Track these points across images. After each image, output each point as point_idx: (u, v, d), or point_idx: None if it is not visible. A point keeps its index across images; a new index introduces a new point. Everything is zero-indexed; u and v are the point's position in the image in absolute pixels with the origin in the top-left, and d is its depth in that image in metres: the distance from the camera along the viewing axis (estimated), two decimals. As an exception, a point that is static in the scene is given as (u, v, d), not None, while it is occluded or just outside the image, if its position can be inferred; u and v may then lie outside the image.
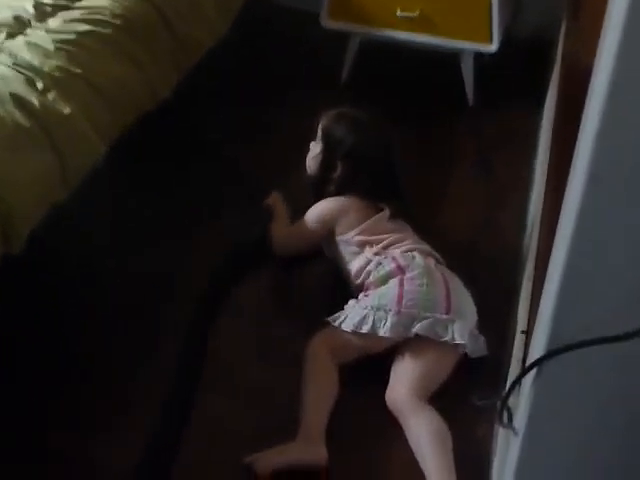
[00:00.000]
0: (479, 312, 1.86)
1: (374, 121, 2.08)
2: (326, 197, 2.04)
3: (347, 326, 1.79)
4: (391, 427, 1.69)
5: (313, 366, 1.74)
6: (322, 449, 1.62)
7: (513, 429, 1.18)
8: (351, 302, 1.86)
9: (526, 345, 1.51)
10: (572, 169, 0.99)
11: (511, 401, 1.24)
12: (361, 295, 1.88)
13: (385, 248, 1.92)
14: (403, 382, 1.73)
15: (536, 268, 1.71)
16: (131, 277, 2.00)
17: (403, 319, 1.78)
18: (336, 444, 1.64)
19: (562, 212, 0.99)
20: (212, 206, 2.24)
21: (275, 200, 2.16)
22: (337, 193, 2.03)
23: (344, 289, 1.95)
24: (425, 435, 1.63)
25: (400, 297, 1.81)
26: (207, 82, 2.50)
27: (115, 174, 2.07)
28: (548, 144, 2.12)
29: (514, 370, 1.58)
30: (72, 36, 1.96)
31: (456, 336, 1.77)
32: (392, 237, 1.95)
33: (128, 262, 2.03)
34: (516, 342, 1.65)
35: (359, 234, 1.96)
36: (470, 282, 1.91)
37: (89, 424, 1.67)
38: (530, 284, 1.71)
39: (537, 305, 1.47)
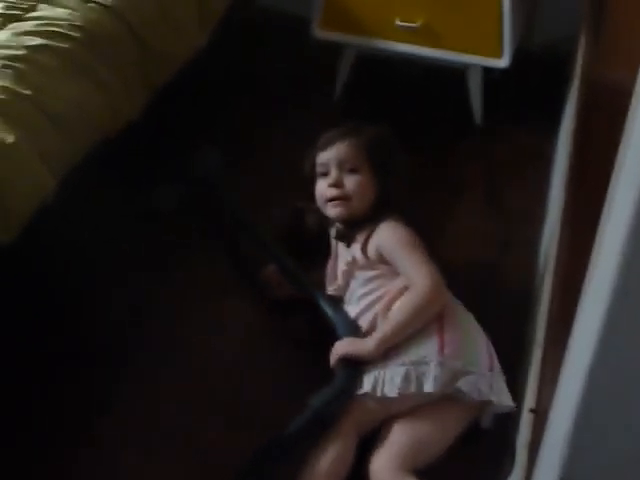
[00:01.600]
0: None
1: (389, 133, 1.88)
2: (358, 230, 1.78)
3: (391, 391, 1.54)
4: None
5: (332, 446, 1.52)
6: None
7: None
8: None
9: (534, 429, 1.32)
10: (606, 216, 0.78)
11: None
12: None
13: None
14: (389, 451, 1.52)
15: (547, 329, 1.51)
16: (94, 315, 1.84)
17: (447, 372, 1.55)
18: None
19: (582, 299, 0.78)
20: (185, 243, 2.06)
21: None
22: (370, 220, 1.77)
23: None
24: None
25: (442, 345, 1.59)
26: (181, 100, 2.30)
27: (72, 208, 1.87)
28: (565, 172, 1.91)
29: (520, 456, 1.38)
30: (22, 51, 1.77)
31: (502, 397, 1.56)
32: None
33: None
34: (523, 420, 1.45)
35: None
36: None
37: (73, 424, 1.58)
38: (540, 352, 1.50)
39: (548, 379, 1.28)
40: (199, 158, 2.18)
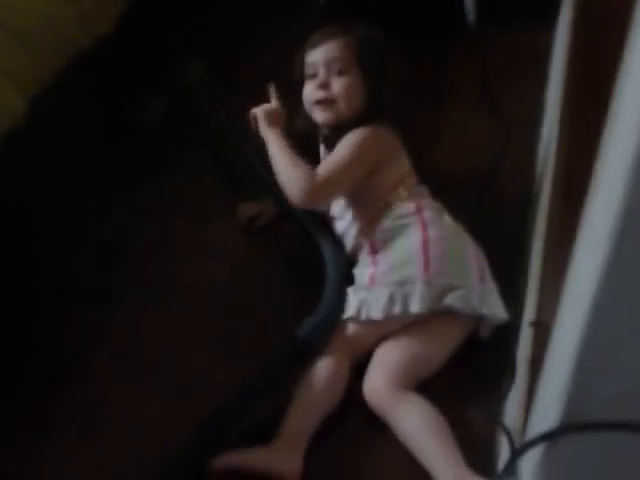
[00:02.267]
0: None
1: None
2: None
3: (376, 313, 1.52)
4: (376, 427, 1.45)
5: (319, 371, 1.49)
6: (296, 461, 1.39)
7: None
8: (359, 279, 1.60)
9: (535, 342, 1.27)
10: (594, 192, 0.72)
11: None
12: (366, 259, 1.62)
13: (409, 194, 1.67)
14: (381, 371, 1.49)
15: (547, 238, 1.45)
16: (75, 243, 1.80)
17: (434, 290, 1.51)
18: (319, 448, 1.42)
19: (578, 243, 0.72)
20: (172, 156, 1.99)
21: (277, 115, 1.76)
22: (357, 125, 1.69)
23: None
24: (416, 426, 1.40)
25: (427, 262, 1.54)
26: (162, 9, 2.20)
27: (47, 128, 1.80)
28: (564, 67, 1.83)
29: (520, 369, 1.34)
30: (-20, -38, 1.67)
31: (496, 309, 1.53)
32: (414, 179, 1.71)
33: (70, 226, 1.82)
34: (523, 334, 1.41)
35: (392, 175, 1.68)
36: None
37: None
38: (540, 260, 1.45)
39: (549, 290, 1.23)
40: (186, 70, 2.09)
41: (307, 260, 1.70)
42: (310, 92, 1.73)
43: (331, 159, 1.64)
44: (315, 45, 1.74)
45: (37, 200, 1.82)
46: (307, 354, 1.50)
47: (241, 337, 1.63)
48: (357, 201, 1.69)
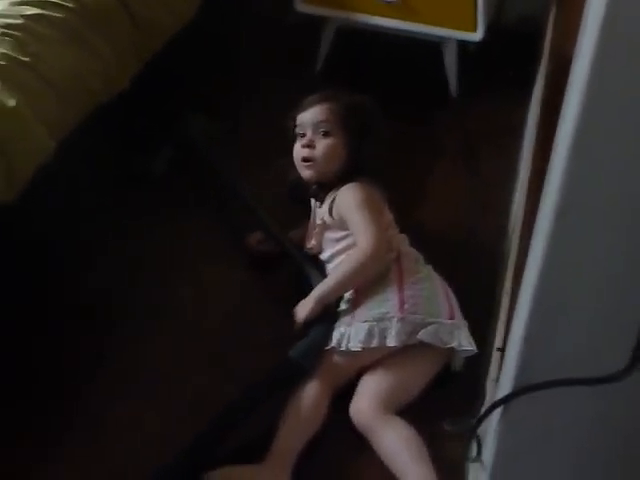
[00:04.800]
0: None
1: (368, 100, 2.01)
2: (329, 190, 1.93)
3: (355, 345, 1.73)
4: (361, 447, 1.65)
5: (302, 395, 1.69)
6: (284, 478, 1.58)
7: (481, 462, 1.16)
8: (342, 318, 1.79)
9: (501, 365, 1.49)
10: (544, 189, 0.96)
11: (481, 431, 1.21)
12: (347, 303, 1.82)
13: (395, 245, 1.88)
14: (367, 397, 1.70)
15: (514, 281, 1.68)
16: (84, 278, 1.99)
17: (407, 326, 1.73)
18: (308, 461, 1.61)
19: (532, 242, 0.96)
20: (175, 205, 2.21)
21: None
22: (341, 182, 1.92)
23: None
24: (397, 445, 1.61)
25: (402, 302, 1.76)
26: (171, 68, 2.45)
27: (68, 171, 2.02)
28: (532, 141, 2.09)
29: (489, 390, 1.55)
30: (19, 20, 1.91)
31: (463, 342, 1.74)
32: (396, 230, 1.92)
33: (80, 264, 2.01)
34: (492, 360, 1.63)
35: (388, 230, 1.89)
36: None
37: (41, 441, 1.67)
38: (508, 298, 1.68)
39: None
40: (188, 124, 2.34)
41: (301, 294, 1.90)
42: (297, 150, 1.98)
43: (360, 228, 1.82)
44: (305, 108, 1.98)
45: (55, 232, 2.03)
46: (298, 374, 1.71)
47: (240, 358, 1.83)
48: (347, 249, 1.90)
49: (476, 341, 1.78)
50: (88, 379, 1.78)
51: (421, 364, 1.76)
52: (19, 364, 1.78)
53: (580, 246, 0.80)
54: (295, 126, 1.99)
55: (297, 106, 2.00)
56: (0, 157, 1.70)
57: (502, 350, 1.55)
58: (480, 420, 1.02)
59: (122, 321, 1.91)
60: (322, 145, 1.93)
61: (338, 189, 1.91)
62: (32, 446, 1.64)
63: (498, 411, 1.02)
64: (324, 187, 1.96)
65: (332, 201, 1.92)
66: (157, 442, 1.65)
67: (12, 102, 1.76)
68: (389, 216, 1.94)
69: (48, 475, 1.60)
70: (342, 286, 1.81)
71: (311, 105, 1.97)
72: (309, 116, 1.96)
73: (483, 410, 1.02)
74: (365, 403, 1.69)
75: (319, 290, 1.82)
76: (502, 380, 1.11)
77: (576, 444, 0.96)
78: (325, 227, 1.93)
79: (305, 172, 1.96)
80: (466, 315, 1.83)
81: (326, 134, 1.94)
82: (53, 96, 1.87)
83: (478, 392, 1.65)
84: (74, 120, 1.93)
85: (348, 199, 1.88)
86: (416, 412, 1.69)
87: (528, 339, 0.88)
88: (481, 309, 1.90)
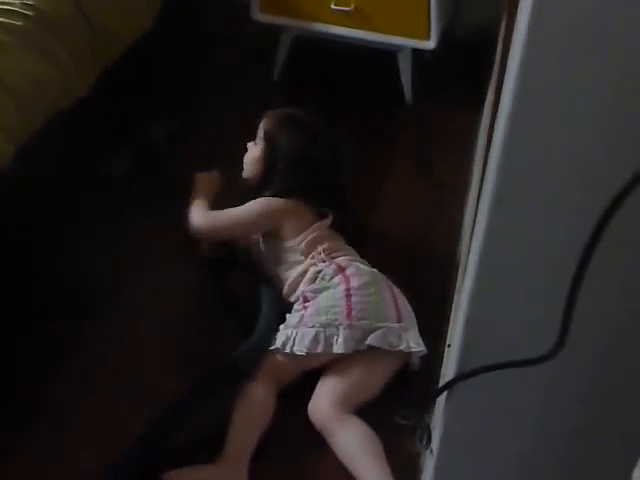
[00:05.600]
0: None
1: (320, 123, 2.09)
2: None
3: (300, 349, 1.77)
4: (320, 442, 1.70)
5: (250, 394, 1.73)
6: (242, 476, 1.63)
7: (430, 450, 1.20)
8: (290, 319, 1.85)
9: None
10: (483, 185, 1.01)
11: (432, 421, 1.26)
12: (298, 307, 1.87)
13: (328, 256, 1.93)
14: (325, 396, 1.75)
15: (463, 281, 1.74)
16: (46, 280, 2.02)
17: (356, 332, 1.79)
18: (262, 464, 1.65)
19: (474, 232, 1.01)
20: (133, 206, 2.25)
21: (209, 179, 2.14)
22: (276, 196, 2.01)
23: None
24: (355, 443, 1.66)
25: (349, 309, 1.81)
26: (129, 77, 2.49)
27: (23, 177, 2.05)
28: (483, 145, 2.15)
29: (441, 383, 1.60)
30: (-22, 28, 1.93)
31: (412, 344, 1.79)
32: (334, 244, 1.96)
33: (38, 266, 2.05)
34: (445, 356, 1.68)
35: (306, 240, 1.95)
36: (404, 293, 1.92)
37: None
38: (458, 297, 1.73)
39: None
40: (149, 126, 2.39)
41: (249, 299, 1.95)
42: None
43: (227, 211, 2.02)
44: (264, 116, 2.10)
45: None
46: (240, 373, 1.76)
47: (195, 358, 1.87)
48: (282, 254, 1.98)
49: (432, 340, 1.84)
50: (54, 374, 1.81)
51: (379, 364, 1.81)
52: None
53: (514, 234, 0.86)
54: None
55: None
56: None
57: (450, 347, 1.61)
58: (425, 407, 1.07)
59: (86, 320, 1.94)
60: (249, 152, 2.10)
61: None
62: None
63: (443, 398, 1.07)
64: (254, 195, 2.05)
65: None
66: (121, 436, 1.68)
67: (-30, 108, 1.78)
68: (324, 233, 1.98)
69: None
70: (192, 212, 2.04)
71: (267, 114, 2.10)
72: (261, 124, 2.08)
73: (430, 395, 1.07)
74: (323, 402, 1.74)
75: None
76: (447, 368, 1.16)
77: (517, 427, 1.01)
78: None
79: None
80: (421, 315, 1.89)
81: (256, 143, 2.08)
82: (12, 102, 1.89)
83: (431, 389, 1.69)
84: (33, 125, 1.96)
85: (247, 204, 2.02)
86: (374, 410, 1.74)
87: (469, 325, 0.93)
88: (436, 309, 1.95)
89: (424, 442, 1.23)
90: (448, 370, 1.09)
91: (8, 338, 1.87)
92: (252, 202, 2.02)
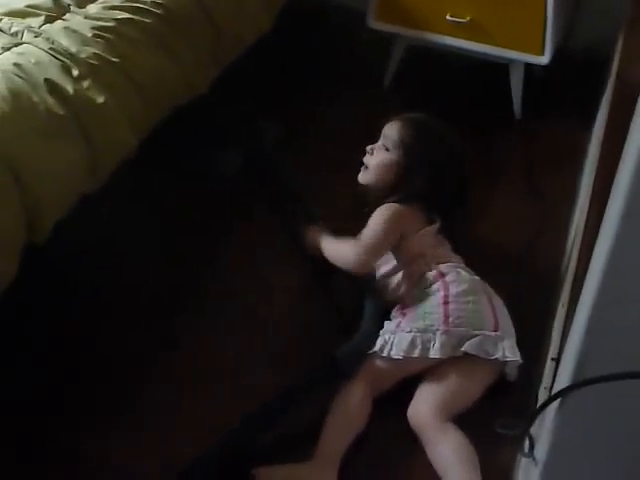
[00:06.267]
0: (512, 335, 1.88)
1: (451, 131, 2.09)
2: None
3: (397, 353, 1.79)
4: (413, 448, 1.71)
5: (347, 396, 1.75)
6: (332, 476, 1.64)
7: (534, 459, 1.21)
8: (388, 326, 1.86)
9: (555, 373, 1.54)
10: (611, 195, 1.02)
11: (534, 430, 1.27)
12: (396, 313, 1.89)
13: (433, 262, 1.94)
14: (426, 401, 1.76)
15: (571, 294, 1.73)
16: (152, 274, 2.08)
17: (452, 339, 1.80)
18: (354, 460, 1.68)
19: (598, 240, 1.02)
20: (244, 206, 2.30)
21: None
22: (398, 202, 2.01)
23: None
24: (451, 454, 1.66)
25: (446, 316, 1.82)
26: (245, 79, 2.55)
27: (145, 169, 2.13)
28: (594, 165, 2.13)
29: (541, 399, 1.60)
30: (111, 23, 2.01)
31: (507, 353, 1.79)
32: (439, 251, 1.98)
33: (148, 260, 2.11)
34: (546, 369, 1.67)
35: (415, 245, 1.96)
36: (506, 303, 1.92)
37: (104, 424, 1.74)
38: (564, 310, 1.73)
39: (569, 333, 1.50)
40: (260, 129, 2.44)
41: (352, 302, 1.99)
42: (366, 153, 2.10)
43: (365, 233, 1.97)
44: (390, 120, 2.09)
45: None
46: (339, 373, 1.78)
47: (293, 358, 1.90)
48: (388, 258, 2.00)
49: (530, 352, 1.84)
50: (154, 365, 1.87)
51: (476, 373, 1.82)
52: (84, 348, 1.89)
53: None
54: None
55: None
56: (87, 148, 1.81)
57: (556, 360, 1.61)
58: (536, 413, 1.07)
59: (194, 320, 1.99)
60: (377, 157, 2.06)
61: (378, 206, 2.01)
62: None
63: (554, 406, 1.07)
64: (376, 200, 2.04)
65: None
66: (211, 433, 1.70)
67: (101, 99, 1.86)
68: (428, 237, 1.99)
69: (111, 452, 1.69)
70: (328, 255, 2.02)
71: (396, 119, 2.08)
72: (387, 129, 2.08)
73: (540, 403, 1.07)
74: (424, 407, 1.75)
75: (323, 240, 2.04)
76: (560, 375, 1.16)
77: (632, 440, 1.01)
78: None
79: (360, 174, 2.09)
80: (521, 327, 1.89)
81: (387, 149, 2.05)
82: (138, 96, 1.96)
83: (530, 401, 1.69)
84: (155, 120, 2.03)
85: (374, 217, 1.99)
86: (470, 419, 1.75)
87: (589, 332, 0.93)
88: (536, 321, 1.95)
89: (527, 451, 1.24)
90: (561, 376, 1.10)
91: (107, 321, 1.94)
92: (382, 212, 1.98)
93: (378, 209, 2.00)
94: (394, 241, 1.97)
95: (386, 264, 2.00)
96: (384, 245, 1.97)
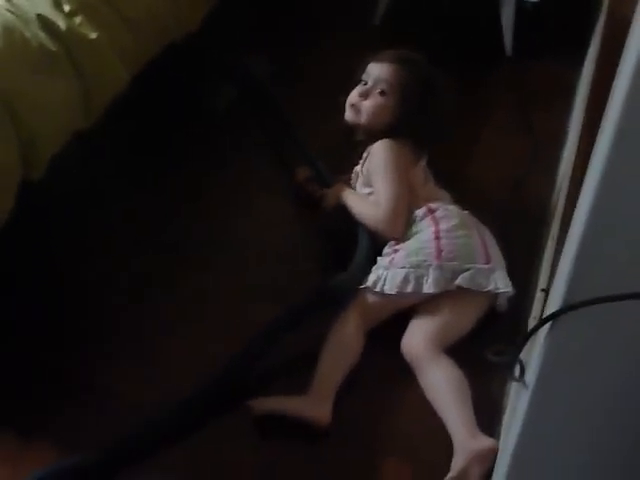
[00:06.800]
0: (502, 268, 1.91)
1: (436, 69, 2.06)
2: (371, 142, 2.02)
3: (390, 289, 1.82)
4: (406, 381, 1.75)
5: (341, 330, 1.78)
6: (327, 410, 1.67)
7: (524, 383, 1.24)
8: (381, 261, 1.88)
9: (545, 303, 1.57)
10: (602, 127, 1.04)
11: (525, 357, 1.30)
12: (389, 250, 1.91)
13: (422, 198, 1.96)
14: (420, 332, 1.79)
15: (561, 227, 1.76)
16: (142, 210, 2.11)
17: (445, 273, 1.82)
18: (348, 391, 1.71)
19: (588, 171, 1.04)
20: (236, 139, 2.32)
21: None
22: (386, 137, 2.00)
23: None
24: (444, 384, 1.69)
25: (439, 251, 1.85)
26: (233, 17, 2.54)
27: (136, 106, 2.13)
28: (585, 100, 2.14)
29: (530, 325, 1.64)
30: (101, -40, 2.00)
31: (499, 285, 1.82)
32: (429, 188, 2.00)
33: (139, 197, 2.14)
34: (536, 300, 1.71)
35: (409, 181, 1.96)
36: (496, 238, 1.95)
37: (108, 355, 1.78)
38: (554, 243, 1.76)
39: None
40: (250, 64, 2.45)
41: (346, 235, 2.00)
42: (353, 94, 2.06)
43: (380, 190, 1.94)
44: (378, 60, 2.05)
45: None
46: (334, 302, 1.82)
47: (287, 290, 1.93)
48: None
49: (520, 284, 1.87)
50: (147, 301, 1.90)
51: (468, 305, 1.85)
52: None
53: (632, 171, 0.89)
54: (362, 71, 2.06)
55: (375, 54, 2.07)
56: (79, 84, 1.82)
57: (546, 291, 1.64)
58: (526, 337, 1.10)
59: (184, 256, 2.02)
60: (372, 101, 2.02)
61: (372, 146, 2.00)
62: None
63: (544, 331, 1.10)
64: (367, 139, 2.04)
65: (367, 156, 2.01)
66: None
67: (93, 35, 1.86)
68: (419, 174, 2.00)
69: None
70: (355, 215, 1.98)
71: (385, 60, 2.04)
72: (377, 70, 2.04)
73: (530, 326, 1.10)
74: (418, 337, 1.78)
75: (348, 197, 2.00)
76: (550, 302, 1.19)
77: (622, 363, 1.04)
78: (357, 180, 2.05)
79: (347, 114, 2.06)
80: (510, 260, 1.91)
81: (382, 93, 2.02)
82: (130, 32, 1.96)
83: (520, 330, 1.73)
84: (147, 56, 2.03)
85: (377, 157, 1.98)
86: (461, 349, 1.78)
87: (578, 258, 0.96)
88: (526, 255, 1.99)
89: (518, 376, 1.27)
90: (552, 301, 1.13)
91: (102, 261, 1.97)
92: (384, 154, 1.97)
93: (376, 150, 1.99)
94: (406, 180, 1.96)
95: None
96: (403, 194, 1.94)
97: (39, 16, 1.79)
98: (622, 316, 0.96)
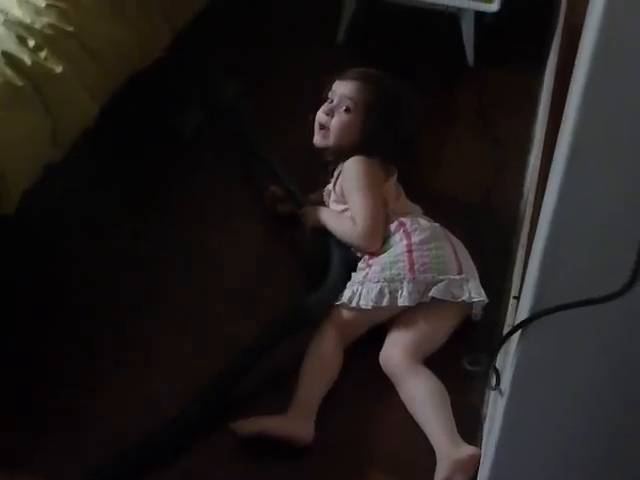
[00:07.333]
0: (474, 277, 1.93)
1: (403, 84, 2.08)
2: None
3: (366, 304, 1.84)
4: (386, 395, 1.76)
5: (319, 347, 1.80)
6: (309, 428, 1.68)
7: (500, 390, 1.27)
8: (355, 277, 1.90)
9: (517, 310, 1.60)
10: (559, 136, 1.06)
11: (500, 365, 1.33)
12: (362, 265, 1.93)
13: (394, 212, 1.98)
14: (398, 345, 1.81)
15: (529, 235, 1.79)
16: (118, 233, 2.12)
17: (419, 285, 1.84)
18: (329, 408, 1.72)
19: (549, 180, 1.07)
20: (206, 161, 2.34)
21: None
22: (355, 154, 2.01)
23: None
24: (423, 395, 1.71)
25: (412, 264, 1.87)
26: (199, 40, 2.56)
27: (105, 136, 2.15)
28: (547, 107, 2.18)
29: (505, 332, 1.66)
30: (62, -8, 2.01)
31: (473, 294, 1.84)
32: (400, 203, 2.02)
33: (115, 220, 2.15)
34: (509, 308, 1.74)
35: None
36: (467, 245, 1.97)
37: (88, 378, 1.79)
38: (523, 251, 1.79)
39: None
40: (218, 86, 2.47)
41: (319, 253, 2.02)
42: (319, 113, 2.08)
43: (356, 206, 1.97)
44: (345, 78, 2.07)
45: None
46: (308, 321, 1.83)
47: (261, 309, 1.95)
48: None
49: (493, 292, 1.90)
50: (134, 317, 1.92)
51: (444, 316, 1.87)
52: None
53: (589, 180, 0.91)
54: (328, 90, 2.08)
55: (340, 73, 2.09)
56: (47, 120, 1.82)
57: (517, 298, 1.67)
58: (499, 346, 1.13)
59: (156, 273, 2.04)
60: (338, 119, 2.04)
61: (343, 163, 2.02)
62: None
63: (516, 338, 1.13)
64: (337, 158, 2.06)
65: (339, 173, 2.03)
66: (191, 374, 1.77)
67: (59, 69, 1.87)
68: (393, 190, 2.03)
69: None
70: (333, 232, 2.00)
71: (350, 78, 2.06)
72: (342, 87, 2.05)
73: (504, 334, 1.13)
74: (396, 351, 1.80)
75: (325, 214, 2.03)
76: (520, 309, 1.22)
77: (591, 366, 1.06)
78: (330, 198, 2.07)
79: (316, 137, 2.08)
80: (482, 269, 1.94)
81: (347, 110, 2.03)
82: (95, 64, 1.98)
83: (495, 338, 1.76)
84: (114, 86, 2.04)
85: (350, 174, 1.99)
86: (438, 359, 1.81)
87: (544, 265, 0.99)
88: (497, 264, 2.02)
89: (494, 384, 1.30)
90: (522, 309, 1.15)
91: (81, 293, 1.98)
92: (357, 172, 1.98)
93: (349, 167, 2.00)
94: (380, 195, 1.98)
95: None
96: (379, 207, 1.96)
97: (4, 53, 1.80)
98: (588, 321, 0.99)
